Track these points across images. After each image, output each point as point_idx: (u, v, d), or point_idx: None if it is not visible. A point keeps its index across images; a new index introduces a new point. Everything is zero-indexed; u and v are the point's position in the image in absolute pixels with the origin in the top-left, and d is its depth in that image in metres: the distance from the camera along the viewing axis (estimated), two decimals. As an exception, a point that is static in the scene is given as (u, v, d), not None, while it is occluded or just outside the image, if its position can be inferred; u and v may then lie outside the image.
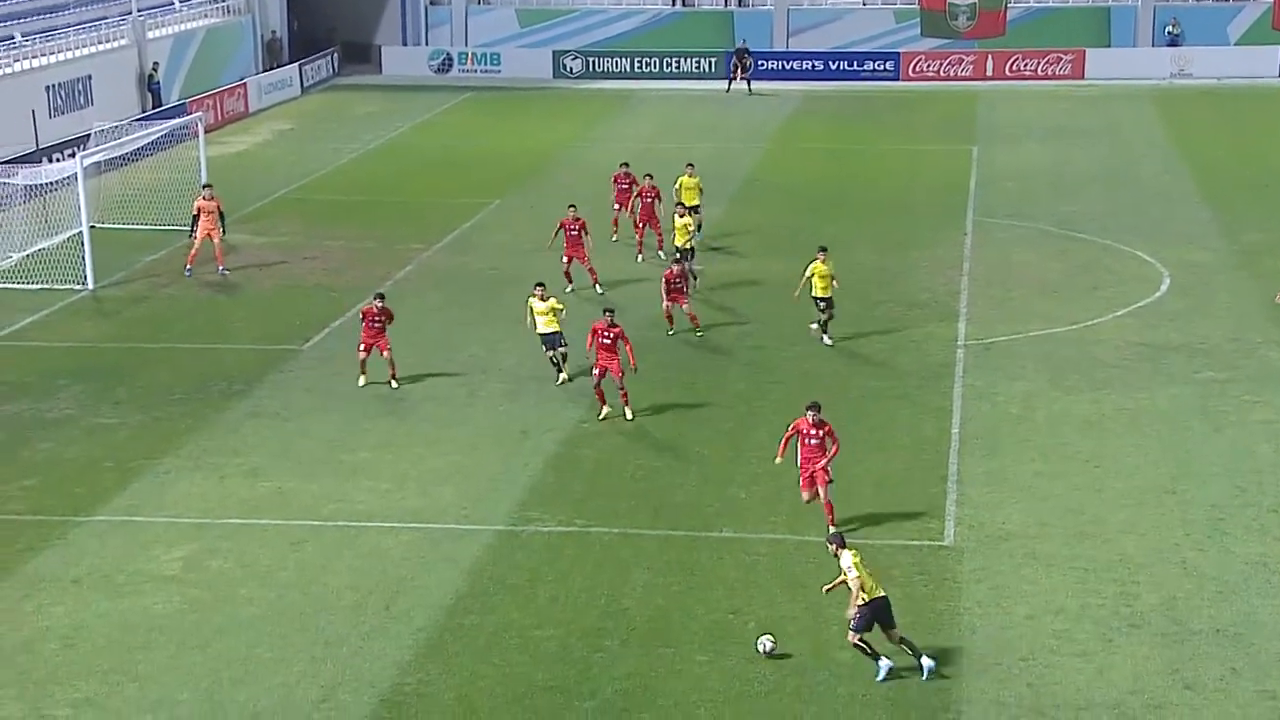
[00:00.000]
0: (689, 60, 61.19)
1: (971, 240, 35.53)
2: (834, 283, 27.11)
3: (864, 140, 48.80)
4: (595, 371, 23.82)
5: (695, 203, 34.03)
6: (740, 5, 63.48)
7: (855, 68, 60.45)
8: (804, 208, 39.59)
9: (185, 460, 22.44)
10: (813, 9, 62.79)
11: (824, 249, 27.54)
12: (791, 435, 19.62)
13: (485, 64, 62.28)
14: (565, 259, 30.61)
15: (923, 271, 32.96)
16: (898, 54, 60.44)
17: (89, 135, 38.97)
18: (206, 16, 57.26)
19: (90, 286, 32.02)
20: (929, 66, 59.97)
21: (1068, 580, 18.50)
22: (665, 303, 27.72)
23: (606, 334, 23.68)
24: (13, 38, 46.93)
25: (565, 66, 61.66)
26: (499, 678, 16.48)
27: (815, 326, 27.49)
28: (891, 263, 33.93)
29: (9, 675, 16.56)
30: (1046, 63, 59.26)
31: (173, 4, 56.51)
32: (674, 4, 63.77)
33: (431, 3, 64.10)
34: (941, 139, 48.49)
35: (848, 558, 16.50)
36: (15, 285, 32.18)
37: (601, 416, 23.91)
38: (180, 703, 16.06)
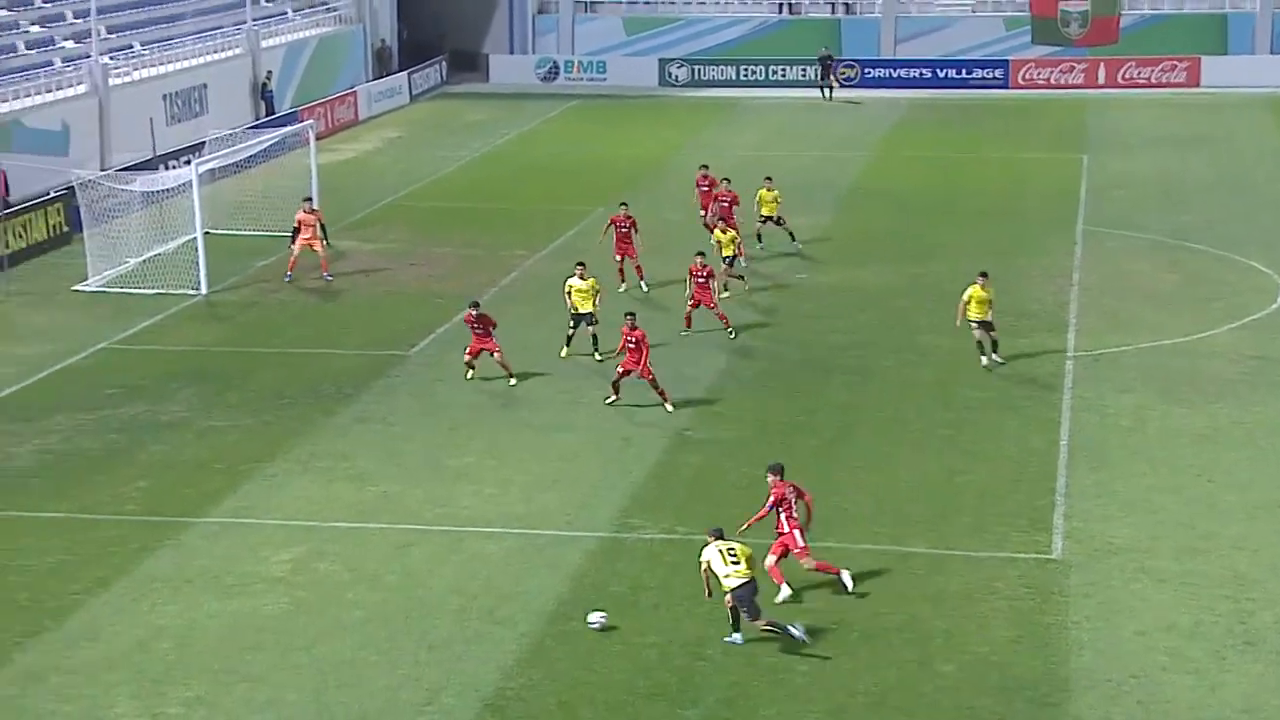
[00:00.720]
0: (794, 68, 61.02)
1: (1081, 250, 35.14)
2: (990, 309, 26.36)
3: (971, 148, 48.35)
4: (619, 369, 24.54)
5: (774, 214, 34.15)
6: (847, 12, 63.20)
7: (963, 75, 59.90)
8: (909, 215, 39.31)
9: (294, 464, 22.77)
10: (921, 16, 62.31)
11: (984, 274, 26.73)
12: (771, 508, 18.15)
13: (591, 72, 62.53)
14: (617, 256, 31.01)
15: (1031, 281, 32.61)
16: (1007, 61, 59.78)
17: (204, 143, 39.69)
18: (319, 26, 58.09)
19: (204, 291, 32.62)
20: (1039, 74, 59.24)
21: (1179, 596, 18.27)
22: (690, 304, 27.96)
23: (630, 338, 24.30)
24: (131, 47, 47.96)
25: (670, 74, 61.73)
26: (600, 684, 16.51)
27: (986, 361, 26.58)
28: (999, 272, 33.36)
29: (124, 673, 16.84)
30: (1160, 70, 58.26)
31: (286, 14, 57.46)
32: (780, 11, 63.64)
33: (539, 11, 64.55)
34: (1051, 147, 47.89)
35: (709, 551, 16.96)
36: (132, 290, 32.88)
37: (609, 401, 24.64)
38: (289, 704, 16.22)
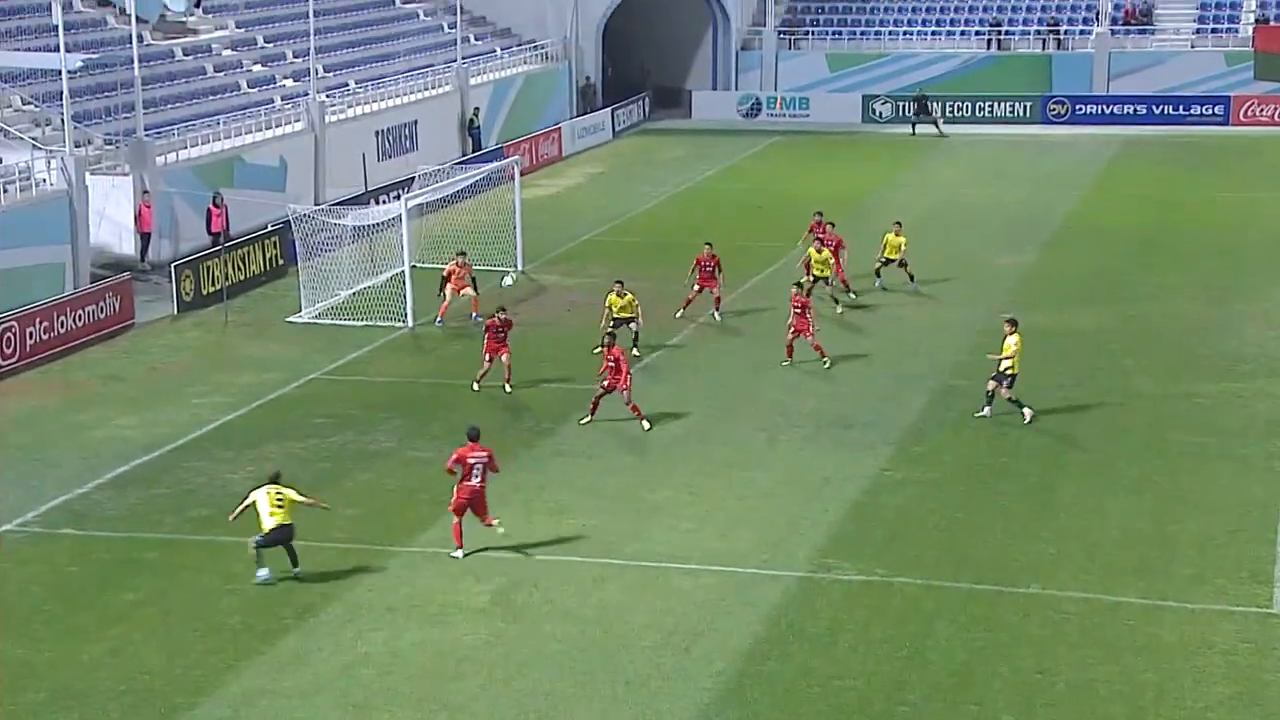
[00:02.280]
0: (1003, 104, 60.24)
1: (1305, 293, 34.17)
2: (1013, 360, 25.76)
3: (1189, 187, 47.18)
4: (601, 387, 25.81)
5: (897, 258, 34.74)
6: (1058, 48, 62.17)
7: (1181, 111, 58.43)
8: (1122, 255, 38.53)
9: (493, 496, 22.99)
10: (1136, 52, 60.97)
11: (1012, 321, 26.12)
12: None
13: (794, 108, 62.61)
14: (696, 287, 32.33)
15: (1251, 324, 31.64)
16: (1228, 98, 58.13)
17: (414, 178, 40.70)
18: (526, 64, 59.23)
19: (410, 324, 33.41)
20: (1263, 111, 57.47)
21: None
22: (790, 334, 29.01)
23: (609, 358, 25.60)
24: (347, 85, 49.59)
25: (875, 111, 61.47)
26: (797, 726, 16.52)
27: (987, 411, 26.28)
28: (1217, 314, 32.64)
29: (330, 698, 17.08)
30: (1395, 105, 56.07)
31: (494, 51, 58.79)
32: (988, 48, 62.90)
33: (742, 48, 64.91)
34: (1274, 186, 46.42)
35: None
36: (342, 322, 33.78)
37: (583, 421, 25.88)
38: (488, 734, 16.51)
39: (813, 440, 25.41)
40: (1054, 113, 59.19)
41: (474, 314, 33.40)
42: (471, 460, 20.78)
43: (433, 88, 52.60)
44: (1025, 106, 59.53)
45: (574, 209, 46.52)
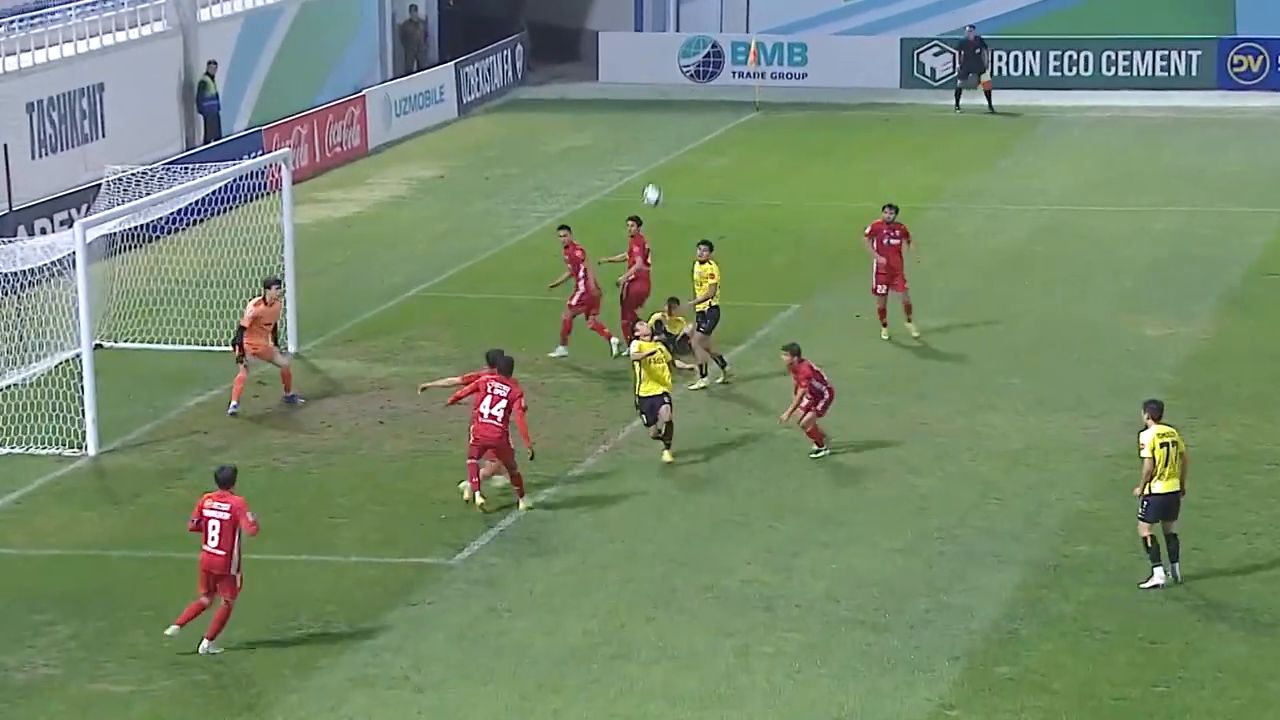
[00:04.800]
0: (1147, 58, 60.72)
1: None
2: None
3: None
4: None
5: None
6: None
7: None
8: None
9: None
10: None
11: None
12: None
13: (780, 62, 62.97)
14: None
15: None
16: None
17: (98, 187, 39.89)
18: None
19: (91, 449, 32.83)
20: None
21: None
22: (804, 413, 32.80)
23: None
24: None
25: (922, 67, 61.77)
26: None
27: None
28: None
29: None
30: None
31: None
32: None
33: (687, -41, 65.27)
34: None
35: None
36: None
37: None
38: None
39: (818, 653, 25.74)
40: (1239, 71, 59.47)
41: (288, 394, 35.47)
42: (208, 513, 25.16)
43: (132, 26, 52.25)
44: (1187, 61, 59.93)
45: (389, 241, 46.88)
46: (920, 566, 28.26)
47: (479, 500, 30.13)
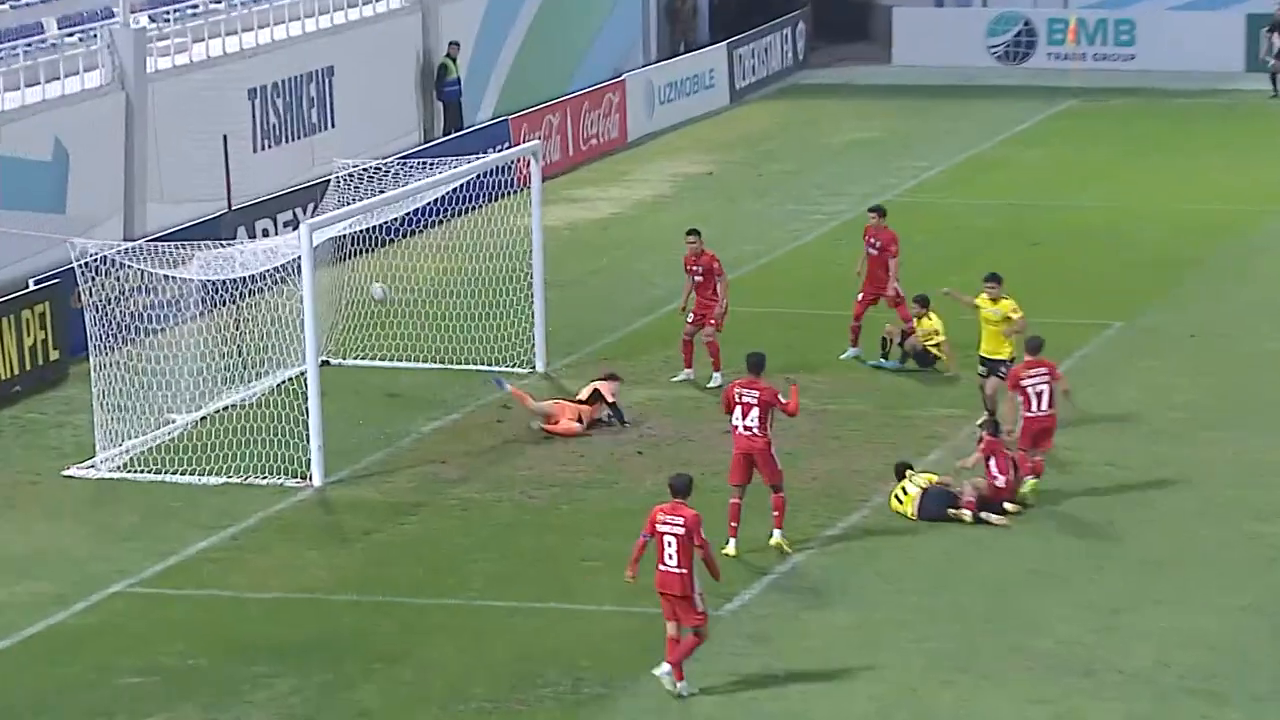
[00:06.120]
0: None
1: None
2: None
3: None
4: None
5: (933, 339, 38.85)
6: None
7: None
8: None
9: None
10: None
11: None
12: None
13: (1103, 42, 63.08)
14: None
15: None
16: None
17: (326, 183, 40.03)
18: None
19: (316, 480, 33.04)
20: None
21: None
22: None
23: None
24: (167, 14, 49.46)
25: (1271, 46, 61.07)
26: None
27: None
28: None
29: None
30: None
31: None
32: None
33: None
34: None
35: None
36: (179, 477, 33.70)
37: None
38: None
39: None
40: None
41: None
42: (661, 528, 25.86)
43: (365, 3, 52.98)
44: (1269, 42, 59.00)
45: (650, 246, 47.20)
46: (1267, 628, 27.89)
47: (777, 544, 30.14)
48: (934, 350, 37.24)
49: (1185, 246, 40.95)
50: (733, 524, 29.71)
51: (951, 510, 30.94)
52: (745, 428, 29.58)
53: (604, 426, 34.82)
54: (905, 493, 31.22)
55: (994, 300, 34.98)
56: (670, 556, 25.35)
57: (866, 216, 39.13)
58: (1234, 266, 44.23)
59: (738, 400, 29.59)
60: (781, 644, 27.52)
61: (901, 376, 37.35)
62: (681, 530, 25.31)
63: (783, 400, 29.52)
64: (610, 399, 35.18)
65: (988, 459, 31.36)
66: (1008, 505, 31.14)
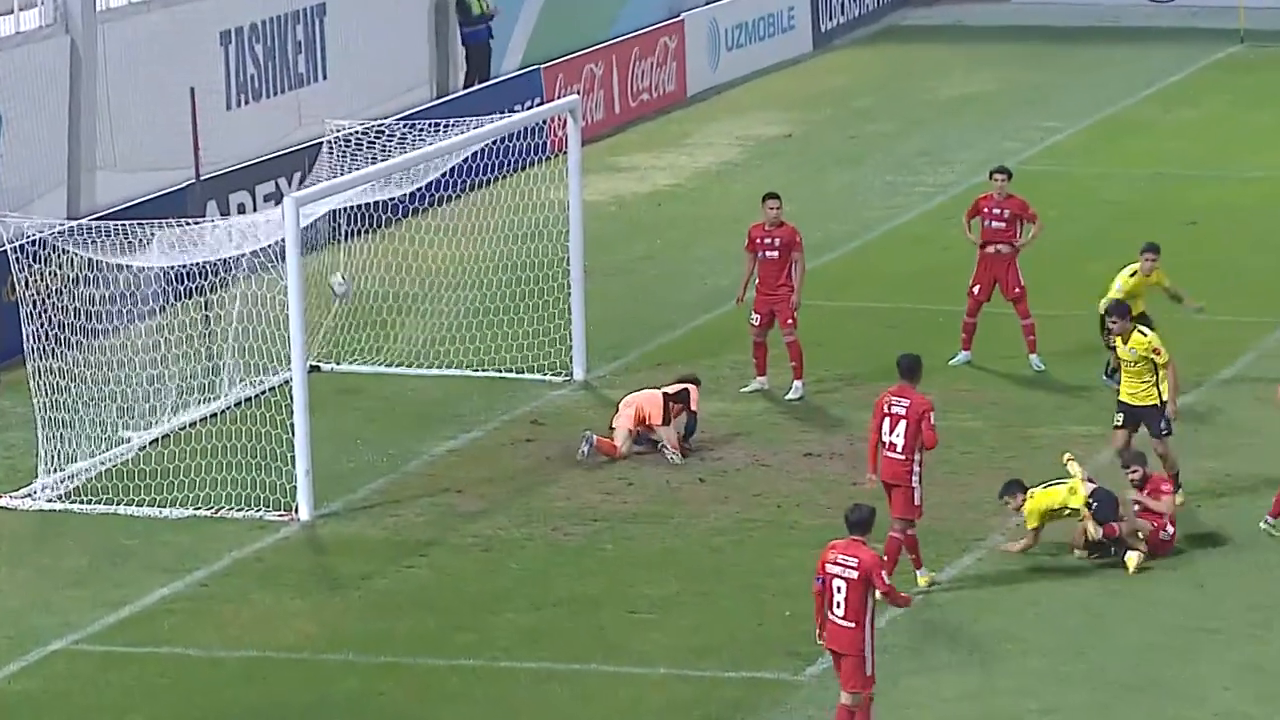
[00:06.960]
0: None
1: None
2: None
3: None
4: None
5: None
6: None
7: None
8: None
9: None
10: None
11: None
12: None
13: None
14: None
15: None
16: None
17: (320, 147, 40.15)
18: None
19: (304, 514, 33.29)
20: None
21: None
22: None
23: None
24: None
25: None
26: None
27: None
28: None
29: None
30: None
31: None
32: None
33: None
34: None
35: None
36: (135, 510, 33.89)
37: None
38: None
39: None
40: None
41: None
42: (831, 569, 25.65)
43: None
44: None
45: (715, 226, 47.62)
46: None
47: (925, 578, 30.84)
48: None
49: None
50: (911, 555, 30.30)
51: (1121, 539, 31.17)
52: (889, 444, 29.97)
53: (655, 449, 34.78)
54: (1071, 484, 31.56)
55: (1147, 276, 35.84)
56: (838, 605, 25.20)
57: (988, 182, 38.87)
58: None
59: (886, 411, 29.98)
60: (880, 718, 27.44)
61: (1024, 387, 37.26)
62: (855, 574, 25.09)
63: (931, 421, 30.01)
64: (694, 408, 35.41)
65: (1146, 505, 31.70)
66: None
